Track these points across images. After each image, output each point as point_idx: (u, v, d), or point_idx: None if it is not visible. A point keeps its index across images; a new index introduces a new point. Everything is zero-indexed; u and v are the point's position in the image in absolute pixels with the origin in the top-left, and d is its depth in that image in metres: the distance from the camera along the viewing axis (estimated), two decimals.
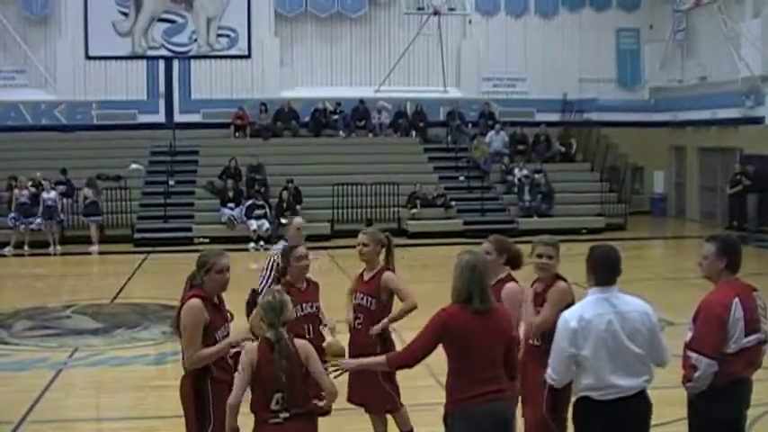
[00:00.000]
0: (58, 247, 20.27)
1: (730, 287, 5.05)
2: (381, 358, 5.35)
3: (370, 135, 25.81)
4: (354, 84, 26.68)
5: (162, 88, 26.06)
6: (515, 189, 23.65)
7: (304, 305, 6.37)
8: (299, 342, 4.94)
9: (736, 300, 4.96)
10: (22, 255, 19.87)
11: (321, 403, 4.98)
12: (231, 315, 5.68)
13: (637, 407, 4.83)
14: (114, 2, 25.90)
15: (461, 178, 24.39)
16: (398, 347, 5.83)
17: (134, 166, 23.28)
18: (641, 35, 27.99)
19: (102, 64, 25.81)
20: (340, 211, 22.20)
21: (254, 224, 21.21)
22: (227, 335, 5.50)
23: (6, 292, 15.88)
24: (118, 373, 9.76)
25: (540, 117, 26.70)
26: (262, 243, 20.80)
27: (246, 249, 20.44)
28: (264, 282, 7.87)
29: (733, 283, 5.09)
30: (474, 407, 4.80)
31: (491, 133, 25.17)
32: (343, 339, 6.51)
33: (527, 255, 5.83)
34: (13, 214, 20.31)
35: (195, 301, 5.35)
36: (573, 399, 5.09)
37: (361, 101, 25.90)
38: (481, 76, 27.33)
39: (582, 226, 22.22)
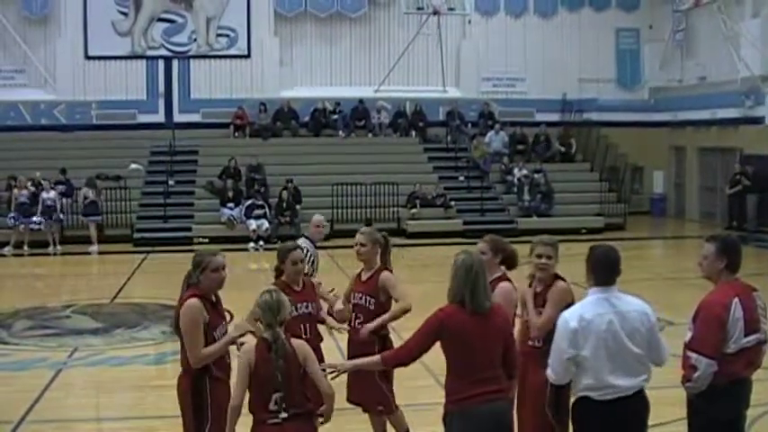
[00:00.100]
0: (58, 247, 20.28)
1: (730, 287, 5.04)
2: (377, 358, 5.36)
3: (370, 135, 25.80)
4: (354, 83, 26.68)
5: (161, 88, 26.05)
6: (515, 189, 23.65)
7: (299, 305, 6.34)
8: (296, 342, 4.94)
9: (736, 300, 4.96)
10: (22, 255, 19.86)
11: (321, 412, 4.97)
12: (231, 315, 5.68)
13: (635, 406, 4.84)
14: (114, 2, 25.89)
15: (461, 178, 24.39)
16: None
17: (133, 165, 23.26)
18: (641, 35, 27.99)
19: (102, 64, 25.81)
20: (339, 210, 22.19)
21: (253, 224, 21.21)
22: (226, 333, 5.51)
23: (6, 292, 15.87)
24: (117, 373, 9.76)
25: (539, 117, 26.70)
26: (261, 243, 20.81)
27: (246, 249, 20.44)
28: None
29: (733, 283, 5.08)
30: (473, 407, 4.80)
31: (491, 133, 25.17)
32: (342, 339, 6.51)
33: (526, 255, 5.83)
34: (12, 214, 20.30)
35: (193, 301, 5.36)
36: (572, 399, 5.10)
37: (361, 101, 25.89)
38: (481, 75, 27.33)
39: (581, 226, 22.23)
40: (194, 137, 24.98)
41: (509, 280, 5.87)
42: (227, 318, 5.83)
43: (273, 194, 22.06)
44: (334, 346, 7.87)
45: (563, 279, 5.70)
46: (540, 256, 5.67)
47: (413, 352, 4.95)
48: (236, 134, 25.39)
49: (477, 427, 4.81)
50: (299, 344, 4.95)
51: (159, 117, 25.89)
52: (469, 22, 27.21)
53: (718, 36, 24.11)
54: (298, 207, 21.57)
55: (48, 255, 19.90)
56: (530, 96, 27.25)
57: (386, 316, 6.53)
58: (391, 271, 6.68)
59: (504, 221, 21.97)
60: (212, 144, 24.82)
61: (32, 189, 20.62)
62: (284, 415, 4.78)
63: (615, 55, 27.98)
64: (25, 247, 20.05)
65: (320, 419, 4.99)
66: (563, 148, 25.60)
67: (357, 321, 6.61)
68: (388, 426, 6.83)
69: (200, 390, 5.37)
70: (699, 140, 25.69)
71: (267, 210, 21.51)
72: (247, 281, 14.60)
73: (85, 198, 20.83)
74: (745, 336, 4.96)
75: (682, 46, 26.34)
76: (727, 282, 5.07)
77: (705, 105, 24.35)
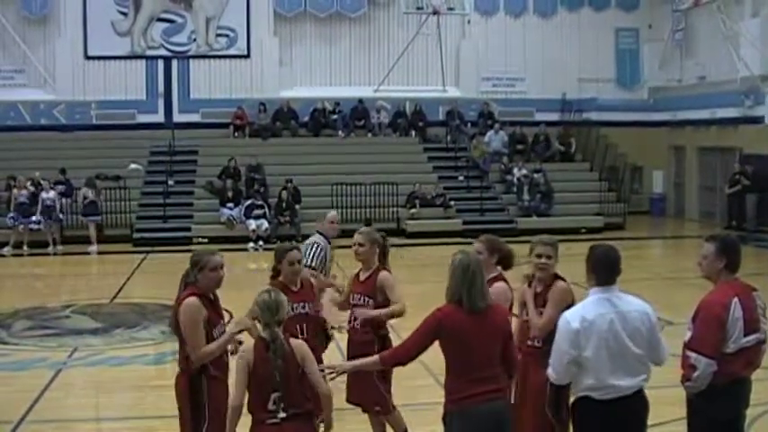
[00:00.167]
0: (58, 247, 20.28)
1: (729, 287, 5.04)
2: (375, 358, 5.36)
3: (370, 135, 25.80)
4: (353, 83, 26.68)
5: (161, 88, 26.05)
6: (514, 189, 23.65)
7: (296, 305, 6.33)
8: (294, 342, 4.94)
9: (736, 299, 4.96)
10: (21, 255, 19.85)
11: (322, 419, 4.96)
12: (230, 314, 5.68)
13: (635, 406, 4.84)
14: (113, 2, 25.88)
15: (460, 178, 24.38)
16: None
17: (133, 165, 23.25)
18: (640, 35, 27.99)
19: (102, 64, 25.80)
20: (339, 210, 22.10)
21: (253, 224, 21.20)
22: (224, 332, 5.52)
23: (5, 292, 15.87)
24: (117, 373, 9.75)
25: (539, 117, 26.70)
26: (261, 243, 20.80)
27: (246, 249, 20.44)
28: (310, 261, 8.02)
29: (732, 282, 5.08)
30: (473, 406, 4.80)
31: (490, 133, 25.16)
32: (342, 339, 6.51)
33: (526, 254, 5.83)
34: (12, 214, 20.28)
35: (192, 299, 5.38)
36: (572, 399, 5.10)
37: (361, 100, 25.88)
38: (480, 75, 27.33)
39: (581, 225, 22.22)
40: (194, 137, 24.97)
41: (505, 280, 5.87)
42: (226, 317, 5.83)
43: (273, 194, 22.05)
44: (334, 346, 7.87)
45: (563, 279, 5.69)
46: (539, 256, 5.66)
47: (411, 351, 4.96)
48: (236, 134, 25.39)
49: (477, 427, 4.81)
50: (298, 344, 4.95)
51: (159, 117, 25.89)
52: (469, 21, 27.21)
53: (718, 36, 24.11)
54: (297, 207, 21.57)
55: (47, 255, 19.88)
56: (529, 96, 27.25)
57: (385, 310, 6.52)
58: (390, 271, 6.68)
59: (503, 221, 21.97)
60: (212, 144, 24.81)
61: (32, 189, 20.60)
62: (283, 415, 4.77)
63: (615, 55, 27.98)
64: (25, 247, 20.04)
65: (321, 427, 4.98)
66: (562, 148, 25.60)
67: (356, 322, 6.62)
68: (388, 426, 6.83)
69: (198, 389, 5.38)
70: (698, 140, 25.69)
71: (267, 210, 21.50)
72: (247, 281, 14.58)
73: (85, 198, 20.82)
74: (745, 335, 4.96)
75: (681, 46, 26.34)
76: (727, 281, 5.07)
77: (705, 105, 24.34)
